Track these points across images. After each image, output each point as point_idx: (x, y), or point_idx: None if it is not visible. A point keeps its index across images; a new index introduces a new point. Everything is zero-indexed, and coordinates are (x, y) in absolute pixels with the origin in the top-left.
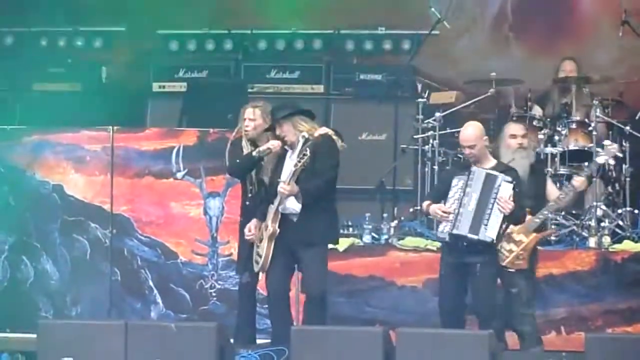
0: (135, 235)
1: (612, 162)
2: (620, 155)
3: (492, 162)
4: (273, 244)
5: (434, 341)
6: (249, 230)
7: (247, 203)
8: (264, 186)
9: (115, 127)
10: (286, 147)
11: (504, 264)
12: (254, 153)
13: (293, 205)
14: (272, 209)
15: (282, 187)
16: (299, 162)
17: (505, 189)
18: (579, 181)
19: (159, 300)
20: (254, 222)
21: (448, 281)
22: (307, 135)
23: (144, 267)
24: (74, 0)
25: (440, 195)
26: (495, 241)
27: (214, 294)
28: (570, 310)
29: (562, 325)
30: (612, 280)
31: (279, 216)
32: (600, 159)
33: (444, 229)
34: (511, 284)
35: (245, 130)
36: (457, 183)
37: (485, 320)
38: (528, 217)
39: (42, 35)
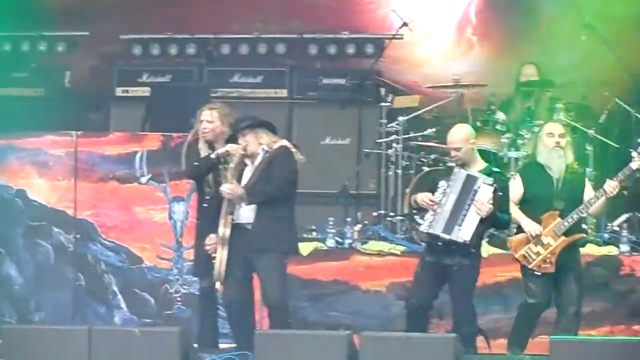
0: (99, 240)
1: None
2: None
3: (481, 165)
4: (227, 250)
5: (398, 345)
6: (210, 240)
7: (205, 205)
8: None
9: (79, 132)
10: (246, 160)
11: (530, 266)
12: (212, 155)
13: (246, 214)
14: (222, 213)
15: (225, 187)
16: (256, 169)
17: (484, 192)
18: (611, 186)
19: (123, 305)
20: (212, 236)
21: (421, 280)
22: (266, 148)
23: (107, 271)
24: (37, 5)
25: (425, 191)
26: (469, 242)
27: (178, 299)
28: None
29: None
30: None
31: (229, 220)
32: (634, 164)
33: (425, 226)
34: (529, 292)
35: (204, 133)
36: (442, 185)
37: (457, 323)
38: (557, 219)
39: (6, 40)
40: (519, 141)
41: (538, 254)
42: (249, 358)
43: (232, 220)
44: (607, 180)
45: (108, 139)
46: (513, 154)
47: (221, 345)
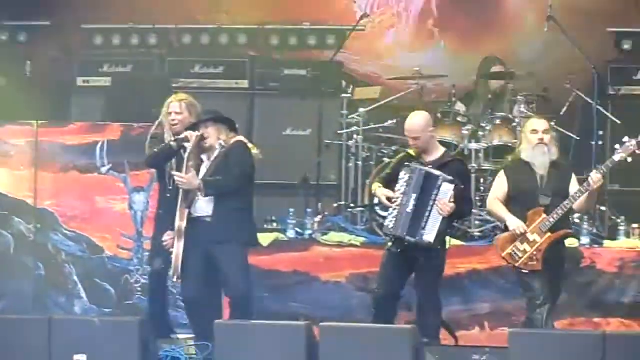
0: (60, 230)
1: (629, 159)
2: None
3: (440, 151)
4: (182, 242)
5: (357, 336)
6: (168, 237)
7: (168, 195)
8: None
9: (39, 122)
10: (203, 156)
11: (517, 265)
12: (171, 142)
13: (204, 207)
14: (178, 206)
15: (179, 176)
16: (212, 163)
17: (445, 190)
18: (595, 178)
19: (83, 294)
20: (170, 232)
21: (387, 270)
22: (223, 143)
23: (68, 261)
24: None
25: (388, 181)
26: (432, 243)
27: (139, 289)
28: (494, 305)
29: (486, 321)
30: None
31: (186, 213)
32: (616, 157)
33: (389, 224)
34: (525, 288)
35: (173, 124)
36: (403, 176)
37: (421, 314)
38: (543, 216)
39: None
40: (480, 133)
41: (524, 251)
42: (208, 349)
43: (190, 214)
44: (592, 173)
45: (69, 129)
46: (474, 145)
47: (180, 336)
